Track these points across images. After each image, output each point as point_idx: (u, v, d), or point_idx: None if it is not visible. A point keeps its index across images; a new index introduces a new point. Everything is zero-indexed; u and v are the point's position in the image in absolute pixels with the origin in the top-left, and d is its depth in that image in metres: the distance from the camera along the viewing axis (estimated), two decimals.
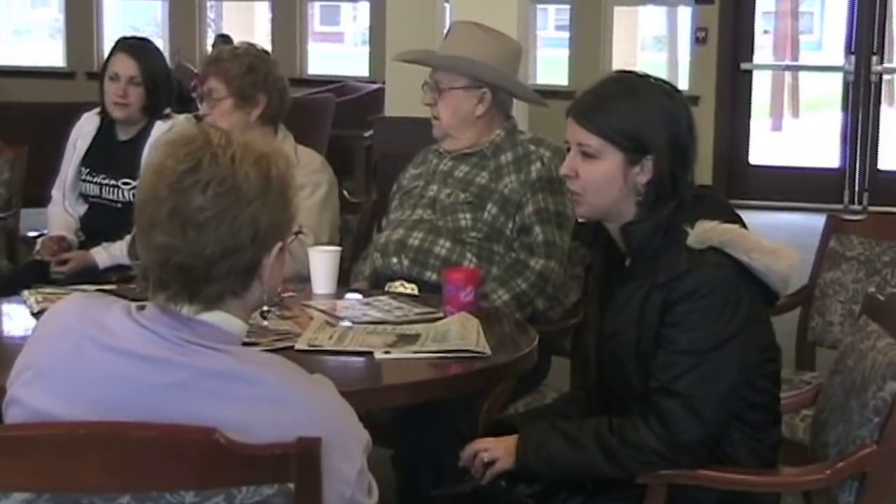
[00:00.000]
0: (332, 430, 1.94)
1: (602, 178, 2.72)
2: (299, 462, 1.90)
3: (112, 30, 13.35)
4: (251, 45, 4.40)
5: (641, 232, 2.71)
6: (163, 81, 4.73)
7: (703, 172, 10.91)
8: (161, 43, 13.12)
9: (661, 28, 14.70)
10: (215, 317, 2.00)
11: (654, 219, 2.70)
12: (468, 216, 3.86)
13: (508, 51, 4.04)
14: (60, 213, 4.73)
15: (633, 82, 2.79)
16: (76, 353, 1.97)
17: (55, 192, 4.79)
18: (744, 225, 2.72)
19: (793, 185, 10.95)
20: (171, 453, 1.88)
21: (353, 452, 1.99)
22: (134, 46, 4.78)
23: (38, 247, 4.60)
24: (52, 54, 14.25)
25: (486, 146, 3.94)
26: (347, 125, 10.01)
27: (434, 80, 3.97)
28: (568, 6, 12.10)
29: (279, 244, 2.03)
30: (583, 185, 2.74)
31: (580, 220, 2.87)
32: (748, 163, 11.25)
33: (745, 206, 10.75)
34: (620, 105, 2.72)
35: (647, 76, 2.80)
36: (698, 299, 2.60)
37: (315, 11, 21.05)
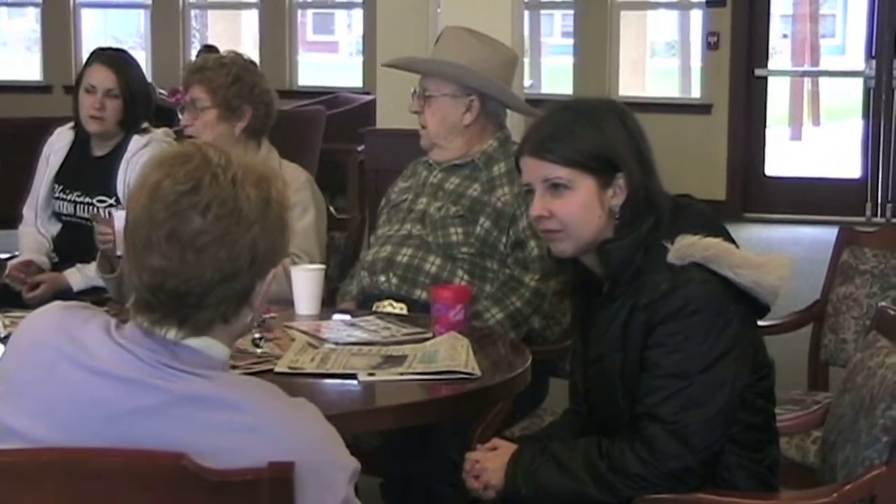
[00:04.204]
0: (312, 458, 1.96)
1: (580, 209, 2.73)
2: (272, 488, 1.92)
3: (92, 41, 13.38)
4: (237, 55, 4.42)
5: (620, 251, 2.72)
6: (141, 94, 4.74)
7: (717, 185, 10.93)
8: (144, 54, 13.19)
9: (672, 33, 14.74)
10: (199, 342, 2.01)
11: (633, 236, 2.71)
12: (459, 230, 3.87)
13: (501, 58, 4.06)
14: (32, 234, 4.75)
15: (581, 105, 2.84)
16: (49, 369, 1.99)
17: (27, 212, 4.81)
18: (728, 236, 2.73)
19: (812, 198, 10.95)
20: (137, 481, 1.91)
21: (335, 481, 2.00)
22: (112, 57, 4.78)
23: (6, 271, 4.62)
24: (28, 67, 14.30)
25: (477, 157, 3.96)
26: (339, 138, 10.02)
27: (422, 87, 4.00)
28: (572, 12, 12.14)
29: (273, 270, 2.05)
30: (562, 221, 2.74)
31: (557, 257, 2.84)
32: (764, 174, 11.26)
33: (762, 220, 10.80)
34: (577, 129, 2.74)
35: (588, 98, 2.86)
36: (682, 319, 2.62)
37: (308, 20, 21.12)
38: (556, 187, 2.74)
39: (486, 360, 3.13)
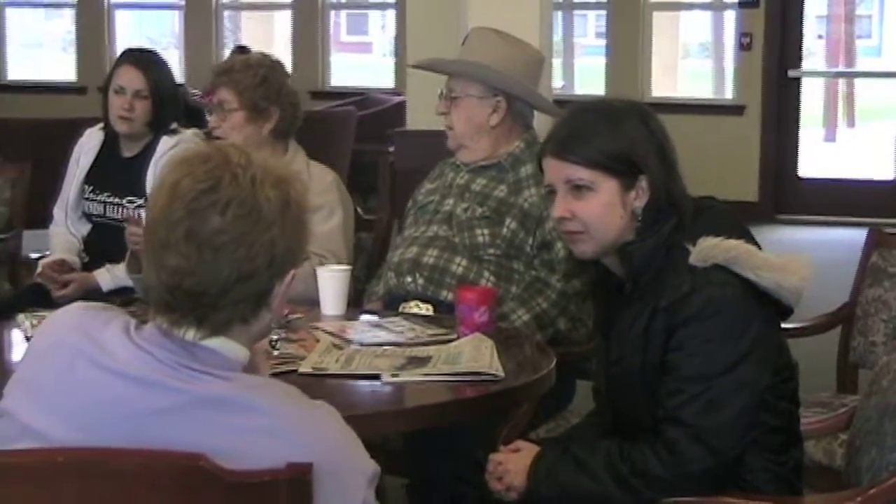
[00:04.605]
0: (330, 460, 1.96)
1: (602, 210, 2.73)
2: (290, 489, 1.93)
3: (126, 42, 13.45)
4: (264, 56, 4.43)
5: (642, 252, 2.72)
6: (170, 95, 4.75)
7: (749, 187, 10.89)
8: (177, 55, 13.24)
9: (706, 34, 14.70)
10: (218, 342, 2.02)
11: (655, 238, 2.71)
12: (486, 231, 3.87)
13: (527, 59, 4.06)
14: (62, 234, 4.77)
15: (604, 106, 2.84)
16: (69, 369, 2.00)
17: (57, 212, 4.83)
18: (751, 238, 2.72)
19: (845, 199, 10.89)
20: (155, 481, 1.92)
21: (353, 484, 2.00)
22: (141, 58, 4.79)
23: (38, 270, 4.64)
24: (64, 68, 14.37)
25: (504, 158, 3.96)
26: (371, 139, 10.04)
27: (448, 89, 4.00)
28: (605, 12, 12.13)
29: (292, 272, 2.05)
30: (584, 222, 2.74)
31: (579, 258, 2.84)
32: (797, 176, 11.21)
33: (795, 222, 10.75)
34: (600, 130, 2.74)
35: (611, 99, 2.85)
36: (703, 322, 2.61)
37: (342, 20, 21.15)
38: (578, 188, 2.74)
39: (512, 362, 3.13)
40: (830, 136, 16.57)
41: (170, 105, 4.74)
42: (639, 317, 2.70)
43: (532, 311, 3.80)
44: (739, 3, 11.15)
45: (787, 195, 11.06)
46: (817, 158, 13.37)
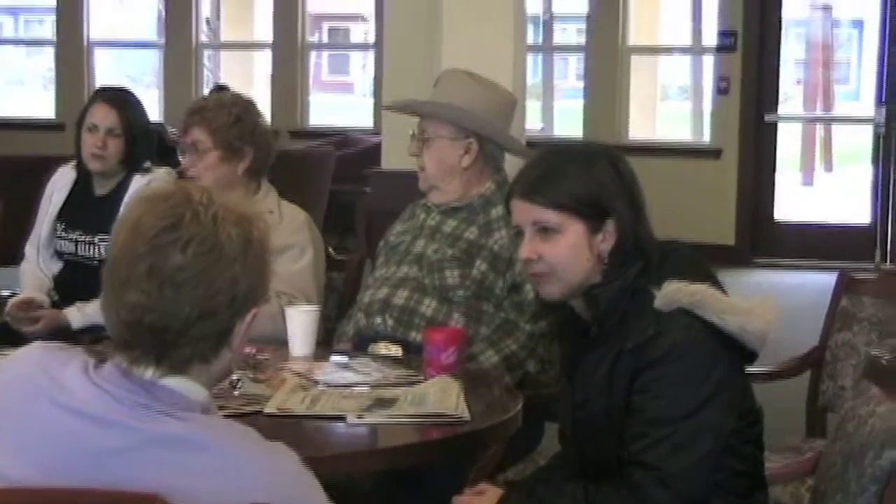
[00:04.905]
0: (286, 500, 1.96)
1: (568, 253, 2.73)
2: None
3: (106, 80, 13.46)
4: (237, 95, 4.43)
5: (607, 296, 2.72)
6: (143, 133, 4.75)
7: (726, 230, 10.92)
8: (156, 93, 13.25)
9: (684, 77, 14.77)
10: (177, 382, 2.01)
11: (621, 280, 2.71)
12: (456, 273, 3.87)
13: (499, 100, 4.07)
14: (33, 272, 4.75)
15: (572, 149, 2.88)
16: (28, 407, 2.00)
17: (29, 249, 4.82)
18: (716, 281, 2.73)
19: (822, 243, 10.93)
20: None
21: None
22: (114, 96, 4.80)
23: (7, 309, 4.62)
24: (44, 105, 14.37)
25: (475, 199, 3.97)
26: (349, 179, 10.03)
27: (420, 130, 4.00)
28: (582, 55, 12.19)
29: (253, 310, 2.05)
30: (550, 264, 2.74)
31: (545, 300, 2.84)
32: (773, 220, 11.24)
33: (771, 265, 10.78)
34: (569, 173, 2.75)
35: (581, 142, 2.86)
36: (668, 365, 2.62)
37: (323, 60, 21.21)
38: (545, 230, 2.74)
39: (480, 403, 3.12)
40: (808, 180, 16.63)
41: (143, 144, 4.74)
42: (603, 360, 2.70)
43: (501, 353, 3.80)
44: (717, 48, 11.22)
45: (763, 239, 11.10)
46: (794, 202, 13.42)
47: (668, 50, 12.82)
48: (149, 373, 1.99)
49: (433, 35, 5.85)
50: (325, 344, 3.88)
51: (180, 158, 4.34)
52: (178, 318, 1.97)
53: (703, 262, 2.79)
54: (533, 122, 14.57)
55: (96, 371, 2.01)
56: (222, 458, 1.94)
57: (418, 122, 4.05)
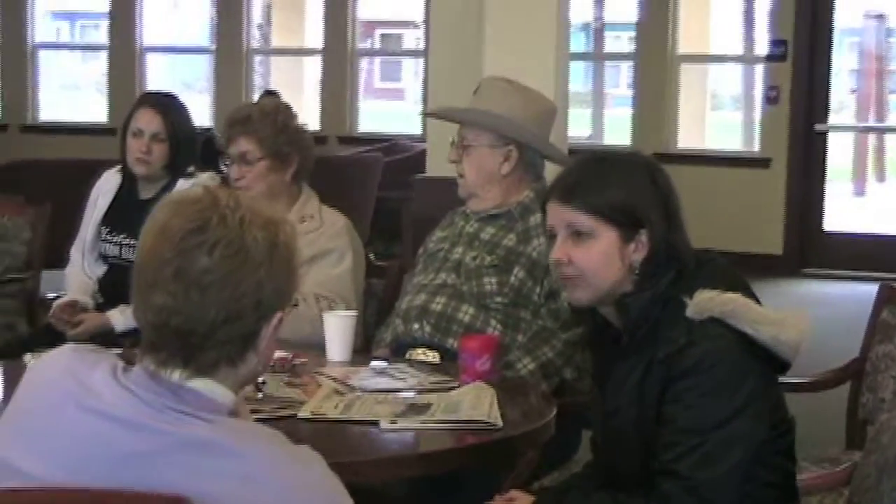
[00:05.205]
0: None
1: (600, 259, 2.73)
2: None
3: (159, 85, 13.57)
4: (276, 101, 4.45)
5: (639, 304, 2.72)
6: (187, 138, 4.79)
7: (774, 241, 10.86)
8: (208, 99, 13.32)
9: (734, 86, 14.71)
10: (204, 385, 2.03)
11: (652, 290, 2.71)
12: (493, 280, 3.88)
13: (539, 108, 4.08)
14: (78, 275, 4.80)
15: (612, 158, 2.88)
16: (56, 410, 2.02)
17: (74, 253, 4.87)
18: (749, 291, 2.72)
19: (872, 254, 10.83)
20: None
21: None
22: (159, 101, 4.84)
23: (51, 311, 4.67)
24: (97, 110, 14.49)
25: (514, 207, 3.97)
26: (397, 185, 10.04)
27: (460, 137, 4.02)
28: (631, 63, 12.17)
29: (279, 314, 2.07)
30: (580, 269, 2.75)
31: (574, 306, 2.86)
32: (822, 230, 11.16)
33: (820, 276, 10.70)
34: (606, 181, 2.76)
35: (621, 151, 2.86)
36: (699, 375, 2.61)
37: (375, 67, 21.26)
38: (578, 234, 2.75)
39: (516, 410, 3.15)
40: (860, 191, 16.50)
41: (187, 148, 4.77)
42: (634, 369, 2.70)
43: (538, 360, 3.80)
44: (767, 57, 11.16)
45: (812, 249, 11.01)
46: (846, 212, 13.33)
47: (718, 58, 12.75)
48: (176, 375, 2.01)
49: (478, 42, 5.87)
50: (363, 350, 3.90)
51: (223, 168, 4.36)
52: (203, 320, 1.99)
53: (737, 273, 2.78)
54: (582, 129, 14.57)
55: (124, 374, 2.03)
56: (248, 461, 1.96)
57: (458, 130, 4.07)
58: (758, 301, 2.73)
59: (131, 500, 1.93)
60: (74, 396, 2.01)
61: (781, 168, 10.97)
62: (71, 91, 18.29)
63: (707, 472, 2.59)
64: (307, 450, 2.05)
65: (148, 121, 4.73)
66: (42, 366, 2.12)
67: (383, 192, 10.11)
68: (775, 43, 11.04)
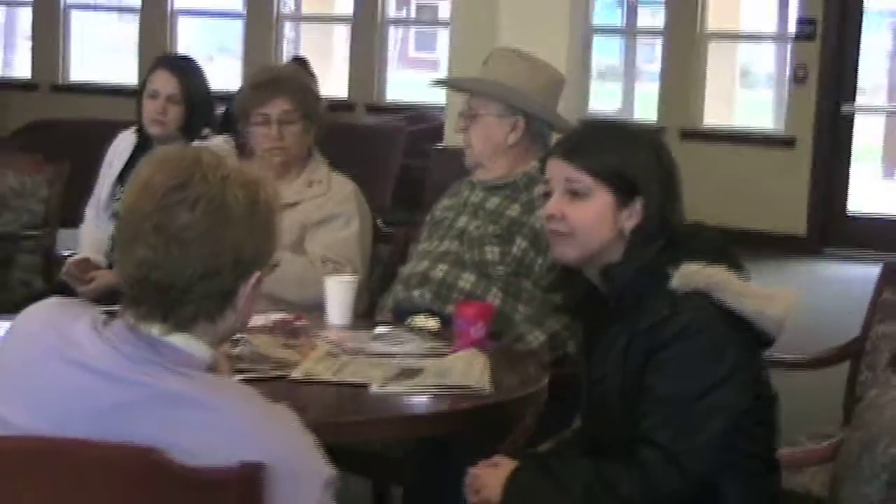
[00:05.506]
0: (284, 462, 2.01)
1: (592, 219, 2.77)
2: (241, 488, 1.97)
3: (189, 49, 13.64)
4: (290, 65, 4.48)
5: (623, 275, 2.75)
6: (202, 101, 4.84)
7: (798, 221, 10.83)
8: (238, 63, 13.35)
9: (762, 65, 14.64)
10: (182, 339, 2.07)
11: (639, 260, 2.74)
12: (496, 249, 3.90)
13: (547, 79, 4.08)
14: (91, 233, 4.85)
15: (620, 126, 2.93)
16: (39, 361, 2.07)
17: (88, 211, 4.93)
18: (738, 266, 2.74)
19: (895, 236, 10.79)
20: (110, 473, 1.98)
21: (308, 486, 2.05)
22: (175, 64, 4.90)
23: (64, 268, 4.72)
24: (130, 72, 14.54)
25: (519, 177, 3.99)
26: (421, 154, 10.06)
27: (468, 106, 4.03)
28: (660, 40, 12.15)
29: (257, 274, 2.11)
30: (571, 225, 2.79)
31: (561, 262, 2.89)
32: (846, 211, 11.12)
33: (841, 257, 10.68)
34: (611, 145, 2.81)
35: (632, 123, 2.89)
36: (681, 344, 2.64)
37: (410, 36, 21.23)
38: (574, 193, 2.79)
39: (512, 377, 3.20)
40: (889, 173, 16.42)
41: (202, 111, 4.82)
42: (619, 338, 2.73)
43: (548, 332, 3.82)
44: (795, 36, 11.11)
45: (835, 230, 10.96)
46: (873, 194, 13.27)
47: (746, 36, 12.69)
48: (155, 330, 2.05)
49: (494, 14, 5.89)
50: (367, 315, 3.94)
51: (249, 131, 4.28)
52: (182, 275, 2.03)
53: (727, 246, 2.80)
54: (613, 104, 14.54)
55: (105, 327, 2.07)
56: (220, 415, 2.00)
57: (466, 99, 4.09)
58: (746, 275, 2.75)
59: (103, 450, 1.97)
60: (57, 349, 2.05)
61: (806, 148, 10.93)
62: (107, 53, 18.33)
63: (686, 440, 2.63)
64: (283, 408, 2.09)
65: (164, 82, 4.78)
66: (25, 318, 2.16)
67: (408, 161, 10.14)
68: (804, 21, 10.98)
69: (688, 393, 2.63)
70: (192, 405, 2.00)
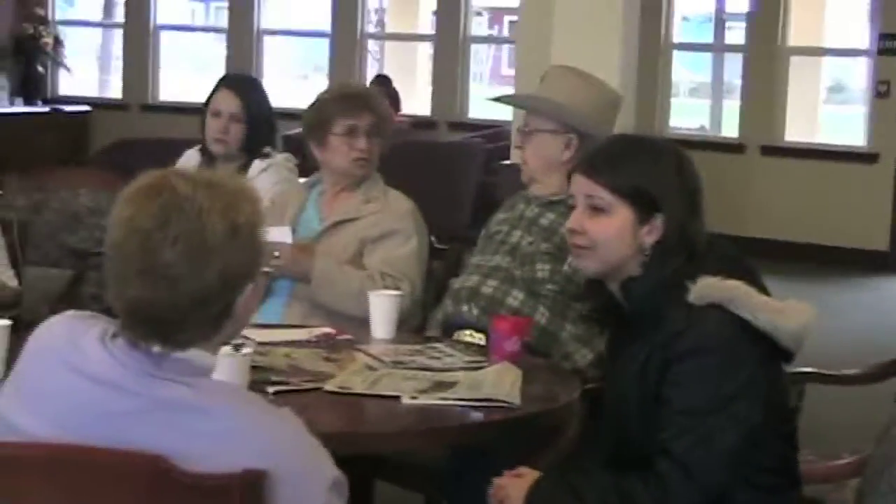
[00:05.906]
0: (287, 466, 2.08)
1: (612, 235, 2.82)
2: (243, 493, 2.04)
3: (274, 68, 13.85)
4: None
5: (641, 289, 2.80)
6: (264, 120, 4.93)
7: (881, 239, 10.72)
8: (325, 80, 13.50)
9: (845, 80, 14.52)
10: (184, 353, 2.14)
11: (657, 276, 2.79)
12: (546, 267, 3.93)
13: (603, 98, 4.12)
14: None
15: (646, 141, 2.95)
16: (51, 373, 2.15)
17: None
18: (756, 280, 2.77)
19: None
20: (117, 478, 2.06)
21: (312, 490, 2.11)
22: (237, 84, 5.00)
23: None
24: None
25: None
26: (498, 171, 10.12)
27: (524, 123, 4.09)
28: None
29: (251, 286, 2.17)
30: (592, 240, 2.85)
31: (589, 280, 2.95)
32: None
33: None
34: (632, 162, 2.85)
35: (655, 137, 2.93)
36: (697, 358, 2.68)
37: (503, 54, 21.29)
38: (595, 209, 2.84)
39: (540, 390, 3.21)
40: None
41: (263, 130, 4.91)
42: (639, 351, 2.78)
43: (594, 351, 3.85)
44: (878, 51, 11.03)
45: None
46: None
47: (829, 51, 12.60)
48: (156, 348, 2.13)
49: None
50: (419, 330, 4.00)
51: (339, 142, 4.30)
52: (176, 308, 2.09)
53: (744, 261, 2.83)
54: (701, 120, 14.49)
55: (112, 340, 2.15)
56: (221, 421, 2.07)
57: (523, 116, 4.15)
58: (765, 290, 2.78)
59: (113, 456, 2.05)
60: (66, 358, 2.13)
61: (890, 163, 10.83)
62: (196, 73, 18.59)
63: (702, 453, 2.66)
64: (286, 412, 2.15)
65: (226, 102, 4.88)
66: (44, 330, 2.24)
67: (487, 178, 10.19)
68: (885, 36, 10.92)
69: (703, 406, 2.67)
70: (193, 412, 2.07)
